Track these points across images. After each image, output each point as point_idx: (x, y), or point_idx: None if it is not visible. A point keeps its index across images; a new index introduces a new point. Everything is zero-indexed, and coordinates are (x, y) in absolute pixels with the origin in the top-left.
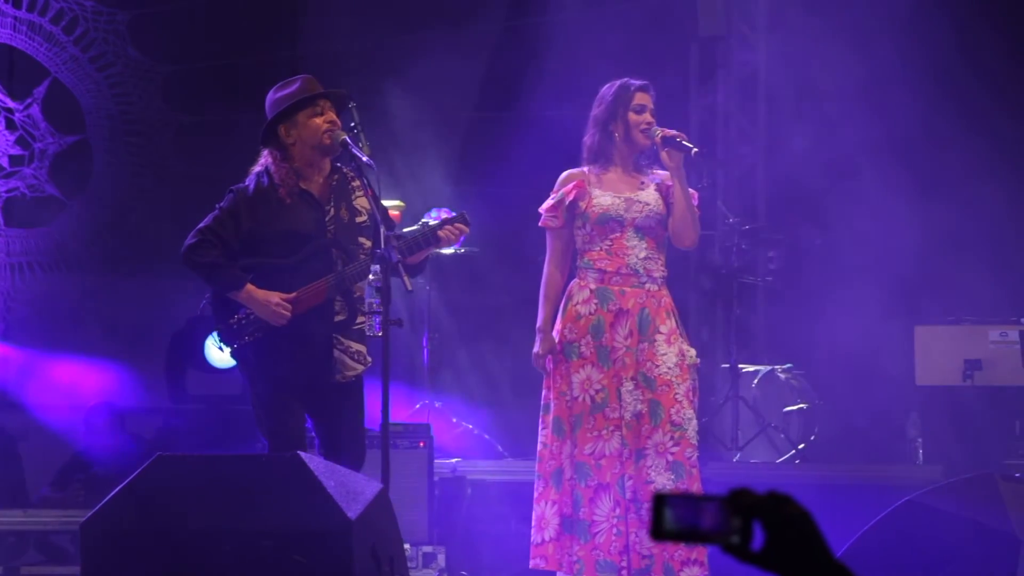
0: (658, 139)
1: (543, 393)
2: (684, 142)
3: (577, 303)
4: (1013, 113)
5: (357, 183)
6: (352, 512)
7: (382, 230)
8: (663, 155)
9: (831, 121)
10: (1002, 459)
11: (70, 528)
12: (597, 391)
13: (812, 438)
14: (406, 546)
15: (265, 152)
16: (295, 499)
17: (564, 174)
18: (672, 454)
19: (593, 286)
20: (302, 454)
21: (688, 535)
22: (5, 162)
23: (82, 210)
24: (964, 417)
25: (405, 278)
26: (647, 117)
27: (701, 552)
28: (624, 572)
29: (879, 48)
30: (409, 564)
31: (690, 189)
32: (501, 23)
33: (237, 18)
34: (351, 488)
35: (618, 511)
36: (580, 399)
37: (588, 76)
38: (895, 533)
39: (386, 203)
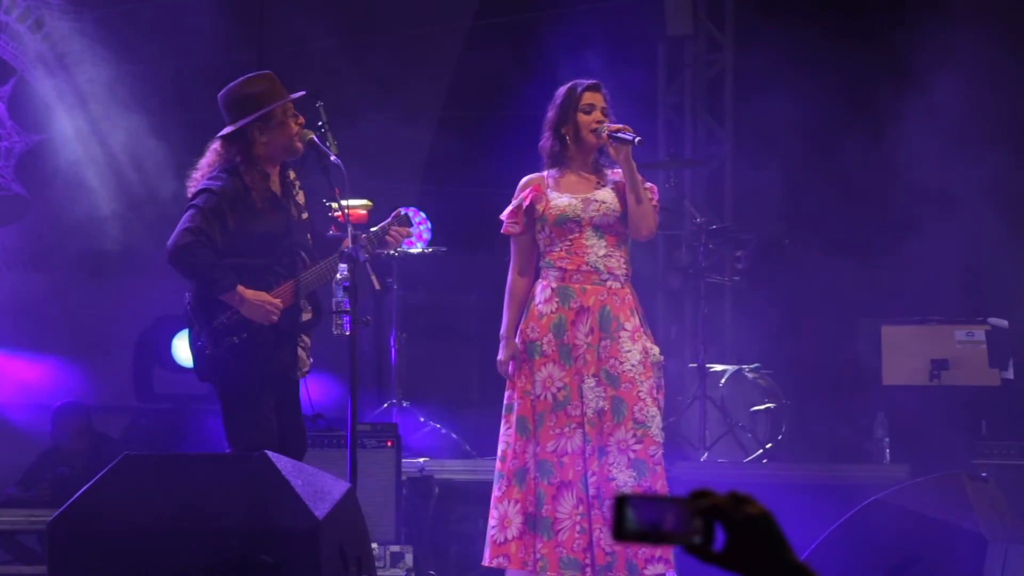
0: (605, 136)
1: (506, 393)
2: (625, 134)
3: (539, 302)
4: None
5: (294, 177)
6: (320, 512)
7: (349, 229)
8: (611, 150)
9: (798, 120)
10: (969, 459)
11: (37, 528)
12: (559, 388)
13: (779, 438)
14: (374, 545)
15: (223, 148)
16: (262, 498)
17: (523, 180)
18: (634, 451)
19: (554, 285)
20: (270, 453)
21: (650, 536)
22: None
23: (48, 209)
24: (931, 417)
25: (373, 277)
26: (596, 116)
27: (666, 550)
28: (588, 569)
29: (849, 46)
30: (377, 563)
31: (648, 183)
32: (471, 20)
33: (202, 17)
34: (318, 488)
35: (581, 508)
36: (543, 397)
37: (556, 75)
38: (862, 532)
39: (353, 202)
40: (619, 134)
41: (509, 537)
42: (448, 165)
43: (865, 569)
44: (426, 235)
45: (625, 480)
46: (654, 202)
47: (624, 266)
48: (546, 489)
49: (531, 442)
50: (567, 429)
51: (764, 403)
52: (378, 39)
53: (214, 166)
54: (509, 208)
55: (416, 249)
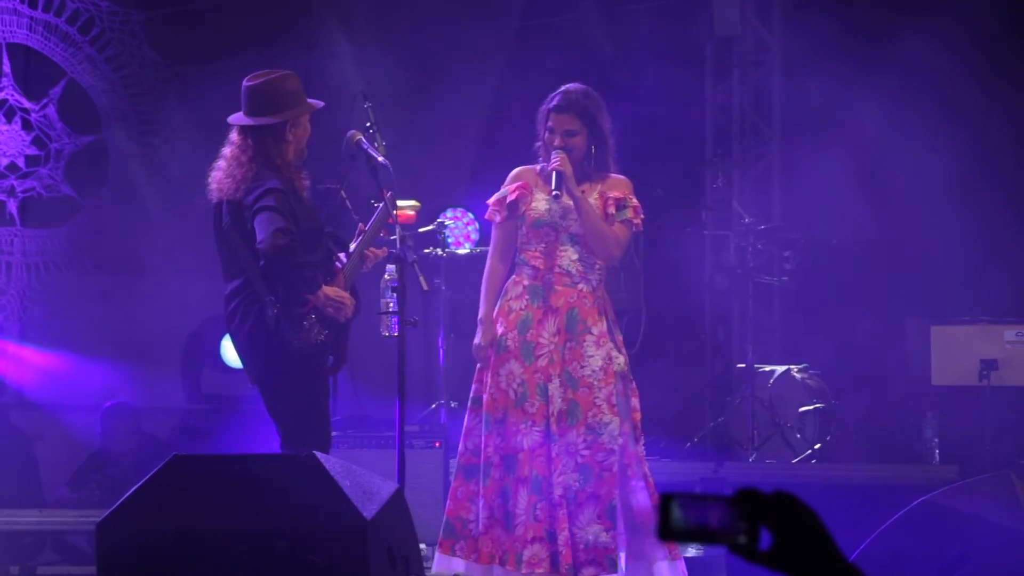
0: (549, 169)
1: (473, 386)
2: (552, 182)
3: (511, 298)
4: None
5: None
6: (368, 512)
7: (398, 230)
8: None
9: (846, 122)
10: (1018, 459)
11: (86, 528)
12: (518, 384)
13: (828, 438)
14: (422, 546)
15: (253, 141)
16: (311, 499)
17: (515, 171)
18: (582, 456)
19: (527, 282)
20: (318, 454)
21: (696, 535)
22: (21, 162)
23: (98, 210)
24: (980, 417)
25: (421, 277)
26: (556, 140)
27: (600, 554)
28: (539, 566)
29: (898, 46)
30: (425, 564)
31: (634, 203)
32: (519, 20)
33: (251, 19)
34: (367, 488)
35: (538, 505)
36: (506, 392)
37: (604, 76)
38: (911, 533)
39: (401, 203)
40: (552, 174)
41: (475, 533)
42: (495, 165)
43: (914, 570)
44: (474, 235)
45: (568, 483)
46: (633, 223)
47: (598, 272)
48: (511, 484)
49: (493, 436)
50: (524, 426)
51: (812, 403)
52: (426, 39)
53: (241, 160)
54: (495, 196)
55: (464, 250)
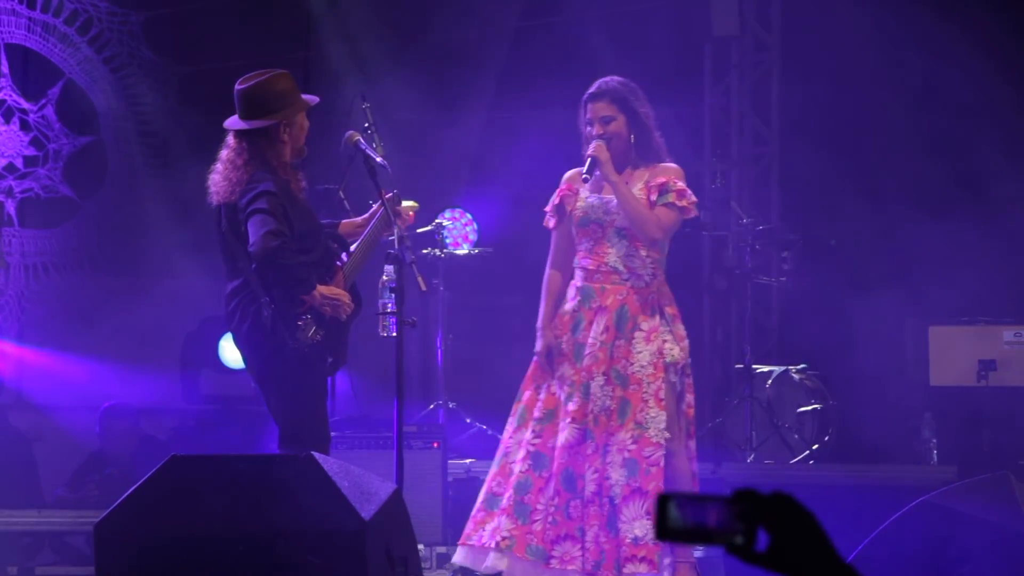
0: (585, 156)
1: (522, 385)
2: (586, 166)
3: (566, 301)
4: None
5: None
6: (366, 513)
7: (395, 230)
8: None
9: (846, 122)
10: (1017, 459)
11: (85, 529)
12: (568, 386)
13: (826, 439)
14: (420, 547)
15: (248, 144)
16: (309, 499)
17: (567, 173)
18: (629, 451)
19: (579, 284)
20: (316, 454)
21: (693, 535)
22: (20, 163)
23: (96, 211)
24: (979, 417)
25: (419, 278)
26: (595, 130)
27: (646, 550)
28: (554, 562)
29: (897, 48)
30: (423, 565)
31: (679, 185)
32: (514, 22)
33: (249, 19)
34: (365, 489)
35: (556, 501)
36: (557, 396)
37: (601, 76)
38: (909, 534)
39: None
40: (588, 161)
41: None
42: (493, 166)
43: (912, 571)
44: (472, 236)
45: (617, 479)
46: (678, 206)
47: (649, 266)
48: (535, 480)
49: (523, 431)
50: (562, 423)
51: (811, 404)
52: (424, 40)
53: (237, 164)
54: (550, 202)
55: (462, 250)
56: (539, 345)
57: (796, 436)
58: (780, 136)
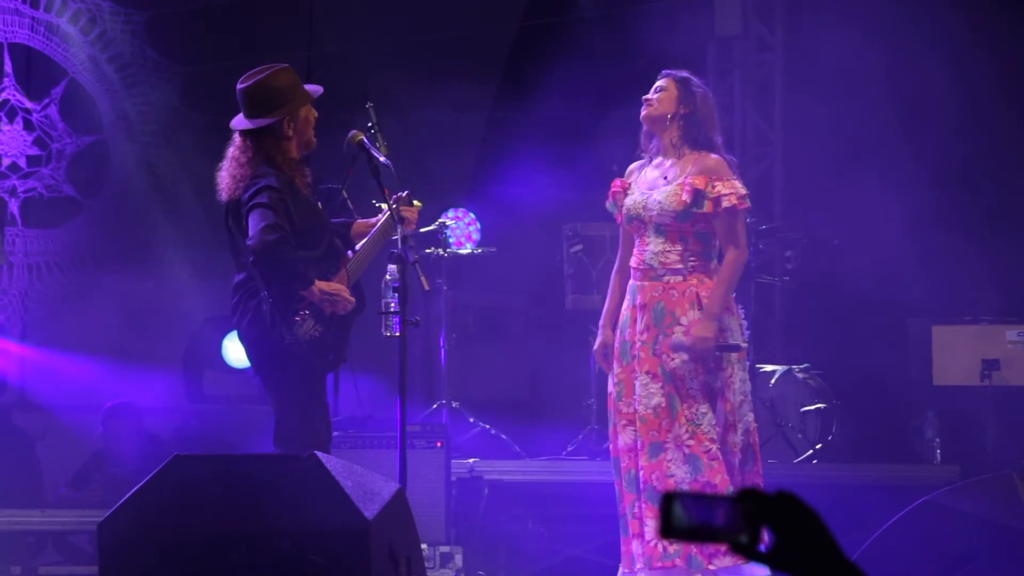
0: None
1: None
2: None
3: (622, 300)
4: None
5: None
6: (369, 512)
7: (399, 229)
8: None
9: (848, 121)
10: (1020, 459)
11: (88, 528)
12: (616, 383)
13: (829, 438)
14: (423, 546)
15: (253, 142)
16: (312, 499)
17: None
18: (688, 447)
19: (630, 282)
20: (319, 453)
21: (699, 534)
22: (23, 162)
23: (99, 210)
24: (982, 417)
25: (422, 277)
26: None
27: None
28: (639, 561)
29: (899, 48)
30: (426, 564)
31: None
32: (519, 21)
33: (253, 18)
34: (368, 488)
35: (635, 503)
36: (612, 394)
37: (603, 77)
38: (913, 533)
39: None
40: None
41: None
42: (497, 165)
43: (916, 570)
44: (475, 236)
45: (682, 476)
46: (726, 207)
47: (687, 260)
48: (618, 486)
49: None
50: (619, 426)
51: (814, 403)
52: (427, 39)
53: (241, 161)
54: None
55: (465, 250)
56: (596, 343)
57: (800, 435)
58: (783, 136)
